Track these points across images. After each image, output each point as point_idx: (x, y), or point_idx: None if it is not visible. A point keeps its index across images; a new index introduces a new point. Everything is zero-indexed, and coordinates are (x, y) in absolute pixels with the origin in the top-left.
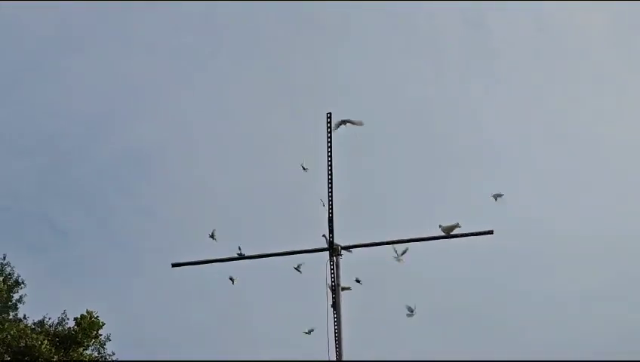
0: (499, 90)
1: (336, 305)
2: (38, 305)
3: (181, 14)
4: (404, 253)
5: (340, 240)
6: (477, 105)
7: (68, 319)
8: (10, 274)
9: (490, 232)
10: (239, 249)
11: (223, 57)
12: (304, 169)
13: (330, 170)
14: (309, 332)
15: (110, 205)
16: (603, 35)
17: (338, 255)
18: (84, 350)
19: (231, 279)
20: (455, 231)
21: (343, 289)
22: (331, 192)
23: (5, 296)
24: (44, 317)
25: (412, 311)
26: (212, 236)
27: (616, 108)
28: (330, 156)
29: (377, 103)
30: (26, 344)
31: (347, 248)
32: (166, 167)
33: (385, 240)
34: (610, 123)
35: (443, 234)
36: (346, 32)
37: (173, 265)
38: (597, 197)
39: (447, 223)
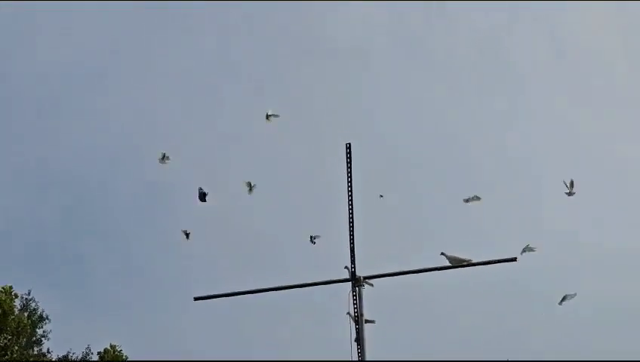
0: (520, 110)
1: (359, 339)
2: (63, 340)
3: (199, 49)
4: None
5: (364, 271)
6: (500, 128)
7: (92, 353)
8: (34, 309)
9: (514, 259)
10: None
11: (242, 89)
12: (250, 188)
13: (351, 200)
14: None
15: (133, 239)
16: (620, 57)
17: (360, 286)
18: None
19: (185, 233)
20: (474, 260)
21: (367, 321)
22: (352, 223)
23: (29, 331)
24: (69, 352)
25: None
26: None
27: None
28: (351, 186)
29: (399, 133)
30: None
31: (369, 278)
32: (189, 199)
33: (409, 269)
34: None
35: (461, 262)
36: (366, 61)
37: (196, 299)
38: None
39: (453, 253)
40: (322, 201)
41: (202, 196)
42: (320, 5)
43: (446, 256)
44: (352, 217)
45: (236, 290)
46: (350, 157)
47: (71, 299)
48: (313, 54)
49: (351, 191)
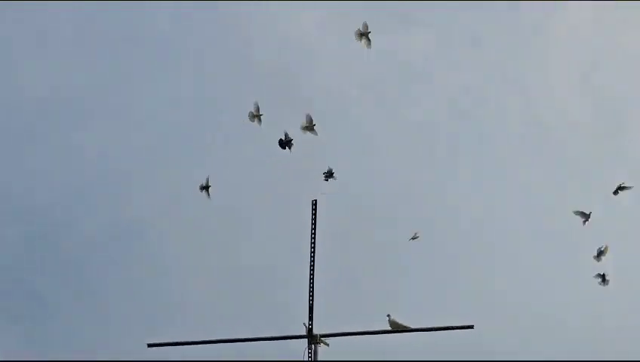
0: (486, 178)
1: None
2: None
3: (178, 89)
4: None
5: (322, 329)
6: (465, 192)
7: None
8: None
9: (471, 327)
10: None
11: (216, 136)
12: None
13: (313, 257)
14: None
15: (93, 278)
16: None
17: (317, 343)
18: None
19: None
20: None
21: None
22: (313, 279)
23: None
24: None
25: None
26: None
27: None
28: (314, 243)
29: (363, 188)
30: None
31: (326, 336)
32: (158, 241)
33: (371, 329)
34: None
35: (400, 327)
36: (335, 119)
37: (149, 345)
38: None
39: (396, 318)
40: (284, 256)
41: (286, 143)
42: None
43: (389, 320)
44: (313, 274)
45: (191, 339)
46: (315, 214)
47: (25, 333)
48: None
49: (314, 247)
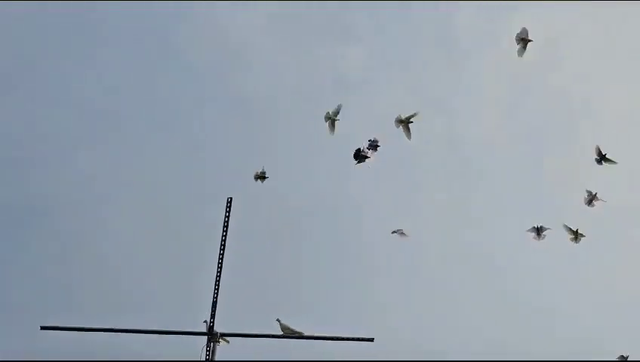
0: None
1: None
2: None
3: (104, 78)
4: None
5: (223, 328)
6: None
7: None
8: None
9: (371, 340)
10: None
11: (138, 120)
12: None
13: (222, 254)
14: None
15: None
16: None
17: (216, 341)
18: None
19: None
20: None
21: None
22: (219, 277)
23: None
24: None
25: None
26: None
27: None
28: (224, 241)
29: (291, 188)
30: None
31: (226, 335)
32: (59, 223)
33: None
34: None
35: (293, 333)
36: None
37: (42, 328)
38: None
39: (288, 323)
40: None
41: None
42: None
43: (280, 324)
44: (220, 271)
45: (85, 326)
46: (229, 212)
47: None
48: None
49: (224, 245)
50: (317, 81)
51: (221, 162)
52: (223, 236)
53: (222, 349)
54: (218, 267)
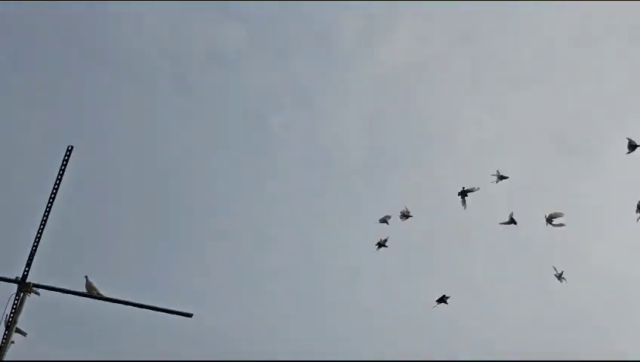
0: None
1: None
2: None
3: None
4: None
5: (39, 278)
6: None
7: None
8: None
9: (190, 315)
10: None
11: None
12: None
13: (52, 202)
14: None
15: None
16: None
17: (27, 292)
18: None
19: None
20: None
21: (17, 331)
22: (43, 226)
23: None
24: None
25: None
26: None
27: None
28: (56, 190)
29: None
30: None
31: (40, 287)
32: None
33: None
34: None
35: (92, 292)
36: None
37: None
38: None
39: (93, 282)
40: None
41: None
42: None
43: (86, 280)
44: (46, 220)
45: None
46: (67, 160)
47: None
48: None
49: (55, 194)
50: (190, 49)
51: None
52: (55, 184)
53: (31, 300)
54: (44, 216)
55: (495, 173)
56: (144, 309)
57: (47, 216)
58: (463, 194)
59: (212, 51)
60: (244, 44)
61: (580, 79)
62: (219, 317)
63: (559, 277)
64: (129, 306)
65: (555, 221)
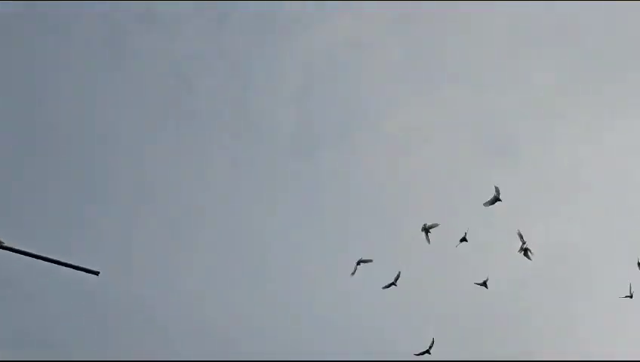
0: None
1: None
2: None
3: None
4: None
5: None
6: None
7: None
8: None
9: (96, 273)
10: None
11: None
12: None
13: None
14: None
15: None
16: None
17: None
18: None
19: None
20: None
21: None
22: None
23: None
24: None
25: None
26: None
27: None
28: None
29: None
30: None
31: None
32: None
33: None
34: None
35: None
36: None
37: None
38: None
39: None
40: None
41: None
42: None
43: None
44: None
45: None
46: None
47: None
48: None
49: None
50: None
51: None
52: None
53: None
54: None
55: (493, 194)
56: (48, 263)
57: None
58: (426, 230)
59: (149, 13)
60: (182, 7)
61: (510, 79)
62: (133, 281)
63: (484, 283)
64: (30, 258)
65: (431, 231)
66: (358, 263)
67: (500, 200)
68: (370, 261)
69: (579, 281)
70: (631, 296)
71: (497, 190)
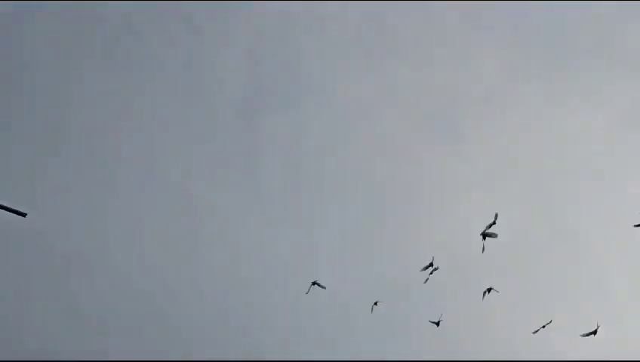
0: None
1: None
2: None
3: None
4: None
5: None
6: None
7: None
8: None
9: (24, 214)
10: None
11: None
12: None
13: None
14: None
15: None
16: None
17: None
18: None
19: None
20: None
21: None
22: None
23: None
24: None
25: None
26: None
27: None
28: None
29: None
30: None
31: None
32: None
33: None
34: None
35: None
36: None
37: None
38: None
39: None
40: None
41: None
42: None
43: None
44: None
45: None
46: None
47: None
48: None
49: None
50: None
51: None
52: None
53: None
54: None
55: (492, 225)
56: None
57: None
58: (484, 236)
59: None
60: None
61: (460, 62)
62: (54, 223)
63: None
64: None
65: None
66: (313, 284)
67: (494, 229)
68: (324, 288)
69: None
70: (595, 333)
71: (496, 216)
